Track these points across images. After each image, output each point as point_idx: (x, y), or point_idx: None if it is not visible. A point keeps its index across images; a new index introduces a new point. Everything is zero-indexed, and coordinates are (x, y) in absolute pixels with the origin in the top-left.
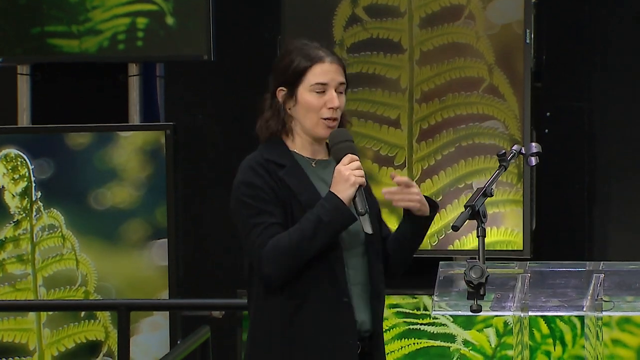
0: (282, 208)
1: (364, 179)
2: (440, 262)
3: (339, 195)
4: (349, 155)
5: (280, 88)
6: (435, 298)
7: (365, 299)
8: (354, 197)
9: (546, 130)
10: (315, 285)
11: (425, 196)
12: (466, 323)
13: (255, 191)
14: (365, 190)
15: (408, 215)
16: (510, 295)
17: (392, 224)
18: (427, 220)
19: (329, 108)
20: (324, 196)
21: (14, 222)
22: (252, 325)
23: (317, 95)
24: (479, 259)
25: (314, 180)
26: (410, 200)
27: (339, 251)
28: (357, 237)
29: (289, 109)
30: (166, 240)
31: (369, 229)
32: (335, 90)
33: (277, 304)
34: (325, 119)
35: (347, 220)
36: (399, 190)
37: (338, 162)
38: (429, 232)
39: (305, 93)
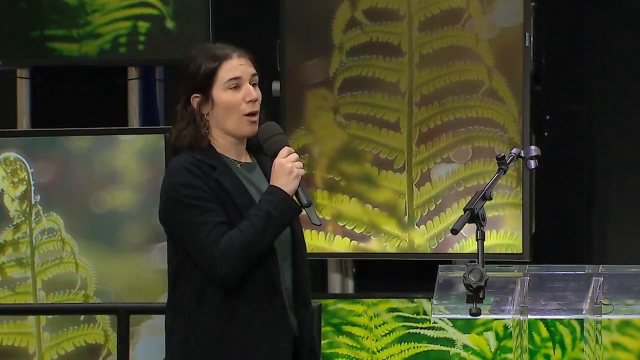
0: (222, 208)
1: (303, 171)
2: (440, 266)
3: (283, 189)
4: (286, 147)
5: (194, 95)
6: (435, 301)
7: (290, 304)
8: (298, 189)
9: (545, 134)
10: (251, 289)
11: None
12: (466, 327)
13: (195, 191)
14: None
15: None
16: (510, 299)
17: (392, 227)
18: None
19: (248, 102)
20: (268, 190)
21: (13, 225)
22: (184, 329)
23: (233, 92)
24: (478, 263)
25: (243, 181)
26: None
27: (274, 255)
28: (286, 241)
29: (207, 114)
30: (165, 243)
31: (316, 220)
32: (250, 83)
33: (212, 308)
34: (247, 114)
35: (294, 212)
36: None
37: (273, 156)
38: (428, 235)
39: (220, 93)
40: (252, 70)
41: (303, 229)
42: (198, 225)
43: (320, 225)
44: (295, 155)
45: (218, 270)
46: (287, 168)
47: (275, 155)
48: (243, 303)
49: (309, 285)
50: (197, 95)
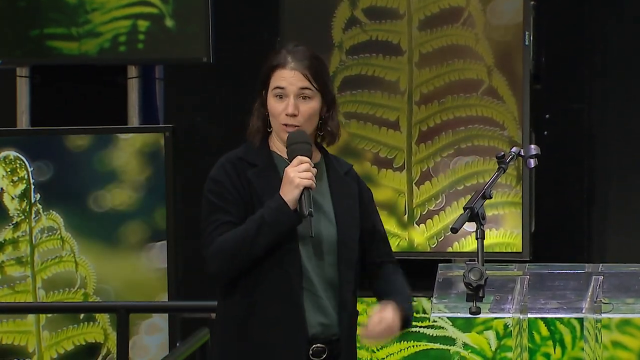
0: (244, 208)
1: (310, 181)
2: (439, 264)
3: (284, 197)
4: (298, 157)
5: (262, 91)
6: (434, 300)
7: (332, 304)
8: (300, 198)
9: (545, 132)
10: (267, 286)
11: (404, 311)
12: (466, 325)
13: (218, 188)
14: (357, 200)
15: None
16: (510, 297)
17: (392, 226)
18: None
19: (286, 114)
20: (273, 197)
21: (13, 224)
22: (214, 324)
23: (278, 101)
24: (478, 261)
25: None
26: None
27: (296, 254)
28: (330, 244)
29: (267, 113)
30: (165, 242)
31: (309, 232)
32: (298, 96)
33: (234, 303)
34: (283, 124)
35: (289, 221)
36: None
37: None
38: (428, 234)
39: (270, 98)
40: (302, 84)
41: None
42: (207, 221)
43: (313, 237)
44: (304, 166)
45: (208, 268)
46: (289, 177)
47: None
48: (260, 301)
49: (349, 288)
50: (263, 91)
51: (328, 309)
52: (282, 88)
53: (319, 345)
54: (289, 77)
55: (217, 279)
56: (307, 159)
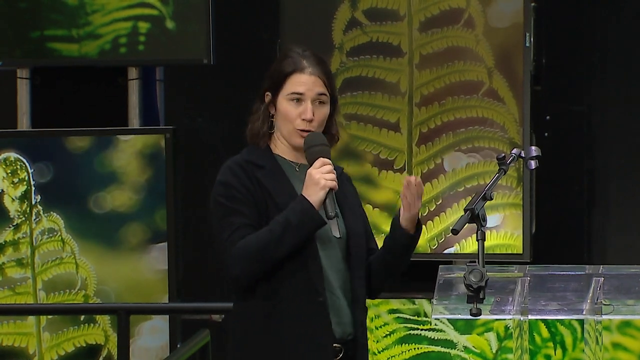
0: (257, 209)
1: (334, 183)
2: (440, 266)
3: (308, 199)
4: (321, 158)
5: (267, 92)
6: (435, 302)
7: (346, 303)
8: (324, 200)
9: (546, 134)
10: (290, 287)
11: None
12: (466, 327)
13: (229, 191)
14: (347, 197)
15: (394, 230)
16: (510, 299)
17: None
18: (410, 240)
19: (303, 119)
20: (296, 199)
21: (13, 225)
22: (232, 325)
23: (293, 105)
24: (478, 263)
25: (295, 183)
26: (413, 203)
27: (316, 253)
28: (341, 241)
29: (272, 114)
30: (166, 243)
31: (336, 233)
32: (314, 102)
33: (254, 304)
34: (299, 129)
35: (315, 223)
36: (412, 191)
37: (311, 165)
38: (428, 235)
39: (283, 101)
40: (319, 90)
41: None
42: (223, 225)
43: (340, 238)
44: (328, 167)
45: (230, 271)
46: (314, 179)
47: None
48: (282, 302)
49: (361, 283)
50: (269, 93)
51: (343, 308)
52: (300, 93)
53: (335, 345)
54: (308, 83)
55: (239, 282)
56: (329, 160)
